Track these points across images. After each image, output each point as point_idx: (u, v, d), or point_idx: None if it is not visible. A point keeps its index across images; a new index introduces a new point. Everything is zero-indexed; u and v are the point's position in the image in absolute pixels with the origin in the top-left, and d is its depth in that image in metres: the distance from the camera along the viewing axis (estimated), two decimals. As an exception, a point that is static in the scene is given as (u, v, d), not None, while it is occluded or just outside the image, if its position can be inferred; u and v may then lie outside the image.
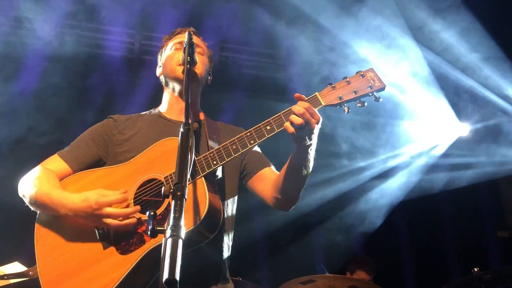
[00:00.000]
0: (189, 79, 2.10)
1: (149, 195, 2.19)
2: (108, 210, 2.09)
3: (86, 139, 2.51)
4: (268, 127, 2.10)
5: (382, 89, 2.13)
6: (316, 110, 2.05)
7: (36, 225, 2.32)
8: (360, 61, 5.52)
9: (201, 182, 2.09)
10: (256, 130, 2.12)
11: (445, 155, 6.78)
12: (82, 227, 2.19)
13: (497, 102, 6.17)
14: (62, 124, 5.30)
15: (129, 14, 5.21)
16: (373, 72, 2.16)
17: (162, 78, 2.70)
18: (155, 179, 2.20)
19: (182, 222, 1.40)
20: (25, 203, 2.36)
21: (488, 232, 6.65)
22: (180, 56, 2.47)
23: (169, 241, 1.34)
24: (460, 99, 6.33)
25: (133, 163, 2.31)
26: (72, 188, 2.30)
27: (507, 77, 5.88)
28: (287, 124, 2.03)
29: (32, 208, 2.33)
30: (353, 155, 6.65)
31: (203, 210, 1.99)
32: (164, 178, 2.17)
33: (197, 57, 2.48)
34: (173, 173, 2.13)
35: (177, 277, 1.25)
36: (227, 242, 2.42)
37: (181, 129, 1.77)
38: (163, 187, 1.56)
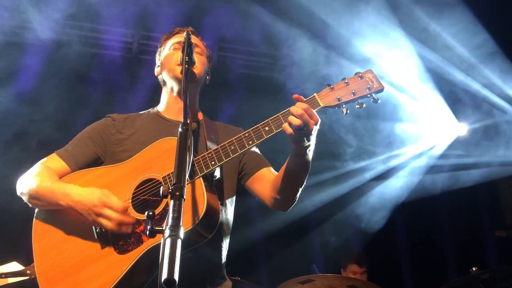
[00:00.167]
0: (188, 79, 2.11)
1: (147, 195, 2.19)
2: (106, 211, 2.09)
3: (84, 138, 2.51)
4: (266, 128, 2.10)
5: (381, 90, 2.13)
6: (314, 111, 2.05)
7: (34, 224, 2.32)
8: (359, 61, 5.53)
9: (199, 182, 2.09)
10: (255, 130, 2.12)
11: (443, 155, 6.79)
12: (80, 226, 2.19)
13: (495, 101, 6.18)
14: (60, 123, 5.29)
15: (127, 14, 5.20)
16: (371, 74, 2.16)
17: (160, 77, 2.70)
18: (153, 179, 2.20)
19: (181, 222, 1.40)
20: (23, 202, 2.35)
21: (486, 231, 6.67)
22: (178, 56, 2.47)
23: (168, 241, 1.34)
24: (459, 99, 6.34)
25: (131, 163, 2.30)
26: None
27: (505, 76, 5.89)
28: (286, 125, 2.03)
29: (30, 204, 2.33)
30: (352, 156, 6.66)
31: (201, 210, 1.99)
32: (162, 178, 2.17)
33: (196, 57, 2.49)
34: (171, 173, 2.14)
35: (176, 277, 1.25)
36: (225, 241, 2.43)
37: (180, 129, 1.77)
38: (161, 187, 1.56)
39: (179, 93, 2.57)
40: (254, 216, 6.01)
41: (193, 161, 2.13)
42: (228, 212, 2.45)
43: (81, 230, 2.19)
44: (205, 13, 5.32)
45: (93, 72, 5.59)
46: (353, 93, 2.11)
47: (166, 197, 1.53)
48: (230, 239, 2.48)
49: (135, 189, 2.21)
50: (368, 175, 6.84)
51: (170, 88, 2.62)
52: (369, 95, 2.13)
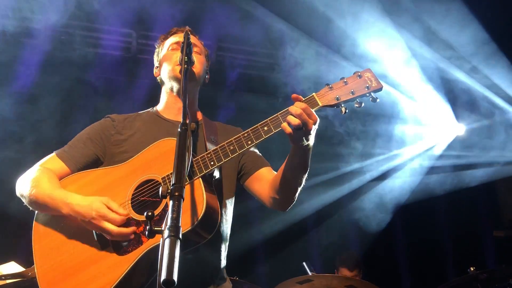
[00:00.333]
0: (187, 79, 2.11)
1: (146, 196, 2.19)
2: (105, 224, 2.09)
3: (83, 138, 2.50)
4: (265, 128, 2.10)
5: (379, 89, 2.13)
6: (313, 110, 2.05)
7: (34, 225, 2.32)
8: (358, 61, 5.53)
9: (199, 183, 2.09)
10: (254, 130, 2.12)
11: (442, 155, 6.80)
12: (80, 227, 2.19)
13: (494, 101, 6.19)
14: (59, 123, 5.29)
15: (126, 14, 5.20)
16: (370, 73, 2.16)
17: (159, 78, 2.70)
18: (153, 180, 2.20)
19: (180, 223, 1.40)
20: (22, 202, 2.35)
21: (484, 231, 6.68)
22: (177, 55, 2.47)
23: (167, 241, 1.34)
24: (457, 99, 6.35)
25: (130, 164, 2.30)
26: (70, 189, 2.29)
27: (504, 76, 5.90)
28: (285, 124, 2.03)
29: (31, 208, 2.33)
30: (351, 156, 6.67)
31: (201, 210, 1.99)
32: (162, 179, 2.17)
33: (195, 57, 2.49)
34: (171, 173, 2.13)
35: (175, 277, 1.25)
36: (225, 242, 2.43)
37: (179, 129, 1.77)
38: (160, 188, 1.56)
39: (178, 93, 2.56)
40: (253, 216, 6.01)
41: (192, 162, 2.13)
42: (228, 212, 2.45)
43: (81, 231, 2.19)
44: (203, 12, 5.32)
45: (92, 71, 5.58)
46: (352, 92, 2.11)
47: (165, 197, 1.53)
48: (229, 239, 2.49)
49: (135, 190, 2.21)
50: (367, 175, 6.85)
51: (169, 88, 2.61)
52: (367, 94, 2.13)
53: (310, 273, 4.45)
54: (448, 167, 6.76)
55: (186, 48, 2.20)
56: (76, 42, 5.41)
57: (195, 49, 2.58)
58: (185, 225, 1.93)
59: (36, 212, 2.34)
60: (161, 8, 5.16)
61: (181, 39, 2.31)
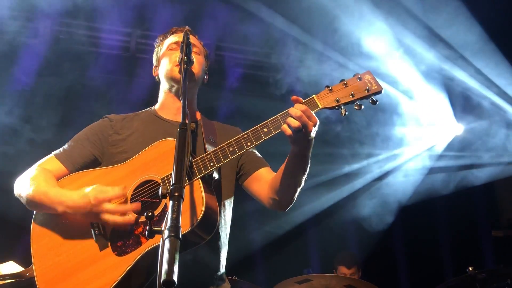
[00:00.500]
0: (186, 79, 2.10)
1: (146, 196, 2.18)
2: (107, 206, 2.08)
3: (81, 139, 2.50)
4: (265, 129, 2.10)
5: (379, 92, 2.13)
6: (313, 112, 2.05)
7: (32, 225, 2.31)
8: (357, 61, 5.53)
9: (198, 184, 2.09)
10: (253, 132, 2.12)
11: (440, 155, 6.81)
12: (79, 227, 2.18)
13: (493, 101, 6.19)
14: (57, 122, 5.28)
15: (125, 13, 5.19)
16: (370, 75, 2.16)
17: (158, 77, 2.70)
18: (152, 180, 2.20)
19: (180, 223, 1.40)
20: (20, 202, 2.34)
21: (483, 231, 6.69)
22: (176, 55, 2.47)
23: (167, 241, 1.33)
24: (457, 98, 6.35)
25: (129, 164, 2.30)
26: (68, 189, 2.28)
27: (502, 75, 5.91)
28: (285, 126, 2.03)
29: (28, 208, 2.32)
30: (349, 157, 6.67)
31: (200, 211, 1.98)
32: (161, 179, 2.17)
33: (194, 57, 2.48)
34: (170, 174, 2.14)
35: (175, 278, 1.25)
36: (224, 242, 2.42)
37: (178, 129, 1.76)
38: (160, 188, 1.55)
39: (177, 93, 2.56)
40: (252, 216, 6.00)
41: (191, 163, 2.12)
42: (227, 213, 2.45)
43: (79, 231, 2.19)
44: (203, 12, 5.31)
45: (90, 70, 5.57)
46: (352, 95, 2.11)
47: (165, 197, 1.52)
48: (228, 239, 2.48)
49: (134, 191, 2.20)
50: (365, 176, 6.85)
51: (168, 88, 2.61)
52: (367, 97, 2.13)
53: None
54: (447, 167, 6.76)
55: (186, 48, 2.20)
56: (75, 41, 5.40)
57: (194, 49, 2.58)
58: (184, 226, 1.92)
59: (34, 212, 2.33)
60: (160, 7, 5.16)
61: (181, 39, 2.31)
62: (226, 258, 2.44)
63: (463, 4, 5.19)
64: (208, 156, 2.15)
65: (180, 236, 1.36)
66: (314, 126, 2.03)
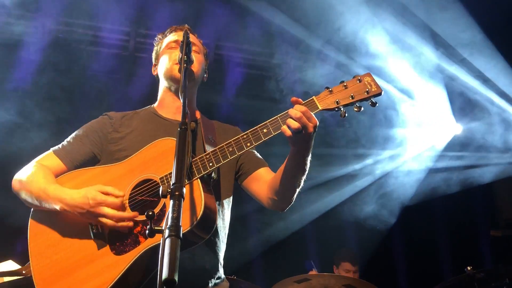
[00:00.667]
0: (186, 78, 2.10)
1: (144, 195, 2.18)
2: (105, 210, 2.08)
3: (80, 136, 2.50)
4: (265, 130, 2.10)
5: (379, 94, 2.13)
6: (313, 114, 2.05)
7: (30, 223, 2.30)
8: (357, 59, 5.52)
9: (197, 183, 2.08)
10: (253, 132, 2.12)
11: (439, 155, 6.81)
12: (77, 226, 2.18)
13: (491, 100, 6.20)
14: (56, 121, 5.27)
15: (124, 11, 5.18)
16: (370, 77, 2.16)
17: (157, 76, 2.69)
18: (151, 180, 2.19)
19: (180, 222, 1.39)
20: (18, 200, 2.34)
21: (481, 231, 6.70)
22: (176, 54, 2.47)
23: (168, 241, 1.33)
24: (456, 98, 6.36)
25: (128, 163, 2.29)
26: (67, 186, 2.28)
27: (500, 75, 5.91)
28: (284, 127, 2.03)
29: (26, 204, 2.32)
30: (347, 157, 6.67)
31: (199, 211, 1.98)
32: (160, 178, 2.17)
33: (194, 56, 2.48)
34: (169, 174, 2.13)
35: (176, 277, 1.25)
36: (223, 242, 2.43)
37: (178, 129, 1.76)
38: (161, 187, 1.55)
39: (176, 92, 2.55)
40: (251, 216, 6.00)
41: (191, 162, 2.12)
42: (225, 212, 2.45)
43: (77, 230, 2.18)
44: (202, 10, 5.30)
45: (89, 69, 5.56)
46: (352, 97, 2.11)
47: (165, 197, 1.52)
48: (227, 238, 2.48)
49: (132, 189, 2.20)
50: (364, 176, 6.85)
51: (167, 87, 2.61)
52: (367, 99, 2.13)
53: (313, 269, 4.47)
54: (445, 167, 6.76)
55: (185, 47, 2.20)
56: (74, 40, 5.39)
57: (194, 48, 2.58)
58: (183, 225, 1.91)
59: (32, 210, 2.32)
60: (159, 6, 5.15)
61: (180, 38, 2.31)
62: (225, 257, 2.44)
63: (462, 4, 5.19)
64: (208, 156, 2.14)
65: (181, 235, 1.35)
66: (314, 127, 2.03)
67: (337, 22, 5.25)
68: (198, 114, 2.65)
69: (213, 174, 2.25)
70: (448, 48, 5.72)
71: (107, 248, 2.12)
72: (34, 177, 2.28)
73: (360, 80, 2.15)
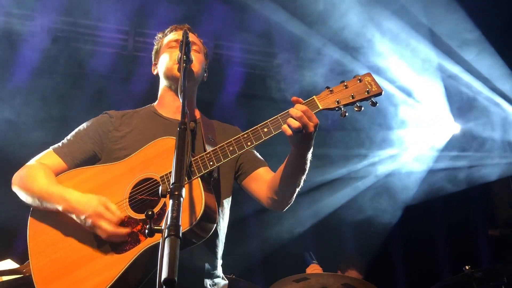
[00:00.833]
0: (185, 77, 2.10)
1: (144, 195, 2.18)
2: (101, 222, 2.08)
3: (81, 134, 2.49)
4: (265, 129, 2.11)
5: (379, 94, 2.15)
6: (313, 113, 2.06)
7: (30, 221, 2.30)
8: (355, 60, 5.52)
9: (197, 183, 2.09)
10: (253, 132, 2.13)
11: (438, 155, 6.82)
12: (77, 224, 2.17)
13: (491, 100, 6.21)
14: (55, 120, 5.26)
15: (122, 11, 5.18)
16: (370, 77, 2.17)
17: (158, 75, 2.69)
18: (151, 179, 2.19)
19: (180, 222, 1.39)
20: (18, 198, 2.34)
21: (479, 230, 6.71)
22: (176, 53, 2.47)
23: (167, 240, 1.33)
24: (454, 98, 6.37)
25: (128, 162, 2.29)
26: (67, 185, 2.28)
27: (498, 74, 5.92)
28: (285, 126, 2.03)
29: (27, 203, 2.31)
30: (345, 157, 6.68)
31: (199, 210, 1.98)
32: (160, 177, 2.17)
33: (193, 55, 2.49)
34: (169, 173, 2.13)
35: (176, 277, 1.25)
36: (222, 241, 2.43)
37: (178, 128, 1.76)
38: (160, 186, 1.55)
39: (176, 91, 2.56)
40: (250, 215, 6.01)
41: (191, 161, 2.13)
42: (225, 212, 2.45)
43: (77, 228, 2.18)
44: (201, 9, 5.30)
45: (88, 69, 5.56)
46: (352, 96, 2.12)
47: (164, 196, 1.52)
48: (226, 237, 2.48)
49: (133, 188, 2.20)
50: (362, 177, 6.86)
51: (167, 86, 2.61)
52: (367, 99, 2.14)
53: (312, 262, 4.46)
54: (443, 166, 6.77)
55: (185, 47, 2.20)
56: (73, 39, 5.39)
57: (194, 47, 2.58)
58: (183, 224, 1.92)
59: (31, 208, 2.32)
60: (158, 5, 5.14)
61: (180, 37, 2.31)
62: (224, 255, 2.45)
63: (461, 4, 5.20)
64: (208, 155, 2.15)
65: (181, 234, 1.36)
66: (315, 126, 2.04)
67: (337, 22, 5.25)
68: (198, 114, 2.65)
69: (213, 173, 2.25)
70: (447, 47, 5.73)
71: (107, 246, 2.11)
72: (36, 176, 2.28)
73: (360, 80, 2.16)
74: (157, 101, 2.68)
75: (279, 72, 5.92)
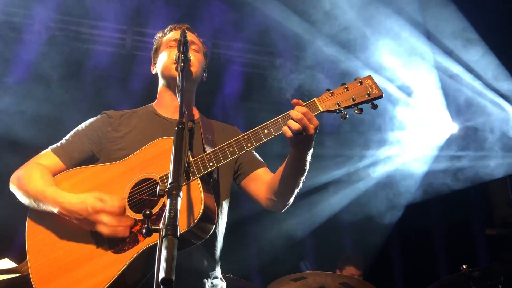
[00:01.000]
0: (183, 77, 2.10)
1: (144, 195, 2.17)
2: (103, 217, 2.07)
3: (79, 134, 2.49)
4: (265, 131, 2.11)
5: (380, 97, 2.15)
6: (314, 115, 2.06)
7: (28, 221, 2.29)
8: (357, 60, 5.52)
9: (197, 183, 2.08)
10: (254, 133, 2.13)
11: (436, 155, 6.82)
12: (75, 224, 2.17)
13: (489, 99, 6.21)
14: (53, 119, 5.25)
15: (121, 10, 5.17)
16: (371, 80, 2.17)
17: (157, 75, 2.69)
18: (150, 179, 2.19)
19: (178, 221, 1.39)
20: (16, 198, 2.33)
21: (476, 230, 6.73)
22: (174, 53, 2.45)
23: (165, 240, 1.33)
24: (452, 97, 6.37)
25: (127, 162, 2.29)
26: (65, 185, 2.28)
27: (498, 74, 5.93)
28: (285, 128, 2.03)
29: (24, 203, 2.31)
30: (344, 157, 6.68)
31: (198, 211, 1.98)
32: (160, 178, 2.16)
33: (192, 55, 2.48)
34: (169, 173, 2.12)
35: (173, 276, 1.25)
36: (220, 241, 2.43)
37: (176, 128, 1.76)
38: (158, 186, 1.55)
39: (175, 91, 2.54)
40: (247, 214, 6.00)
41: (190, 162, 2.12)
42: (224, 212, 2.45)
43: (75, 228, 2.17)
44: (199, 8, 5.29)
45: (86, 68, 5.55)
46: (353, 99, 2.13)
47: (162, 196, 1.52)
48: (224, 237, 2.48)
49: (132, 188, 2.19)
50: (361, 177, 6.86)
51: (166, 86, 2.60)
52: (368, 101, 2.14)
53: (307, 271, 4.46)
54: (441, 166, 6.78)
55: (183, 47, 2.20)
56: (71, 38, 5.37)
57: (193, 46, 2.58)
58: (182, 225, 1.92)
59: (30, 207, 2.31)
60: (157, 5, 5.14)
61: (179, 36, 2.30)
62: (222, 255, 2.45)
63: (458, 3, 5.20)
64: (208, 156, 2.14)
65: (178, 234, 1.36)
66: (315, 128, 2.04)
67: (338, 21, 5.24)
68: (197, 114, 2.64)
69: (213, 174, 2.25)
70: (445, 46, 5.73)
71: (106, 246, 2.11)
72: (32, 177, 2.27)
73: (361, 83, 2.17)
74: (156, 100, 2.68)
75: (279, 72, 5.91)
